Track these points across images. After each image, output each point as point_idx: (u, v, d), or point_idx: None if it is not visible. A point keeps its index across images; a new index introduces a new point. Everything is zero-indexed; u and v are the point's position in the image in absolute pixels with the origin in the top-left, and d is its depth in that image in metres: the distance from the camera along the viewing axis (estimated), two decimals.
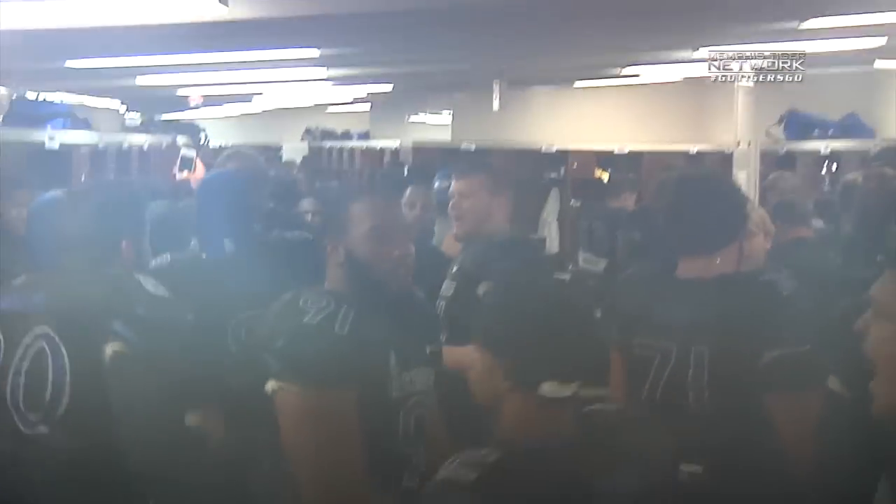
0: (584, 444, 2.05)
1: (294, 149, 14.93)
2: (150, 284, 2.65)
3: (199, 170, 8.12)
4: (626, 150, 9.09)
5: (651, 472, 2.10)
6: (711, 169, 7.87)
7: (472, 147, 9.32)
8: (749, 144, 8.27)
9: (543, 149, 9.29)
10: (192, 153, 8.24)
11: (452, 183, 3.76)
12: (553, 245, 8.97)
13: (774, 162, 8.10)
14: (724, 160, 8.51)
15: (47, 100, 7.77)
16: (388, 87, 11.04)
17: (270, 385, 2.53)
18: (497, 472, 1.95)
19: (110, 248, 2.73)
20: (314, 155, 14.30)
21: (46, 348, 2.56)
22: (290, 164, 12.31)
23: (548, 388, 2.03)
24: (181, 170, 8.28)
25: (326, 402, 2.49)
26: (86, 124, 7.85)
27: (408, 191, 4.89)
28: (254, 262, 3.14)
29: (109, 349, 2.52)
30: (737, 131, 8.35)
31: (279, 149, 15.05)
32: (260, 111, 13.87)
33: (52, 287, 2.66)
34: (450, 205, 3.72)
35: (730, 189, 3.16)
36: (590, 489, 1.99)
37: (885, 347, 1.85)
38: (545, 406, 2.04)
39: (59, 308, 2.60)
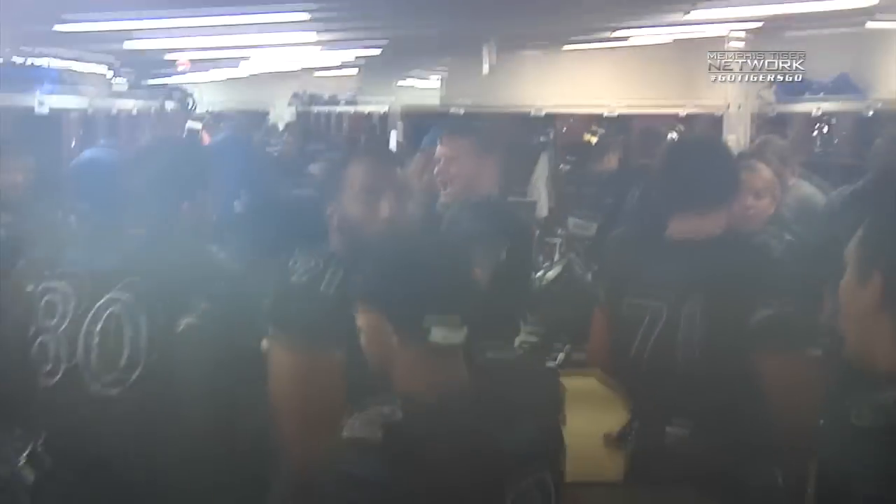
0: (482, 395, 2.00)
1: (281, 113, 14.83)
2: (223, 255, 2.64)
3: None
4: (615, 113, 9.07)
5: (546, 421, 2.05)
6: (704, 131, 7.87)
7: (462, 110, 9.29)
8: (739, 108, 8.24)
9: (532, 112, 9.26)
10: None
11: (438, 147, 3.65)
12: (543, 209, 8.95)
13: (766, 124, 8.08)
14: (714, 123, 8.48)
15: (35, 64, 7.69)
16: (376, 51, 10.97)
17: (264, 342, 2.54)
18: (404, 430, 1.91)
19: (173, 207, 2.70)
20: (302, 119, 14.22)
21: (123, 313, 2.55)
22: (276, 128, 12.21)
23: (437, 334, 1.95)
24: None
25: (311, 360, 2.49)
26: (74, 89, 7.78)
27: (416, 156, 4.71)
28: (268, 219, 3.14)
29: (184, 321, 2.52)
30: (727, 94, 8.32)
31: (266, 113, 14.94)
32: (247, 75, 13.79)
33: (125, 250, 2.63)
34: (436, 169, 3.64)
35: (723, 150, 3.18)
36: (493, 442, 1.94)
37: (848, 293, 1.89)
38: (437, 355, 1.98)
39: (137, 275, 2.57)
